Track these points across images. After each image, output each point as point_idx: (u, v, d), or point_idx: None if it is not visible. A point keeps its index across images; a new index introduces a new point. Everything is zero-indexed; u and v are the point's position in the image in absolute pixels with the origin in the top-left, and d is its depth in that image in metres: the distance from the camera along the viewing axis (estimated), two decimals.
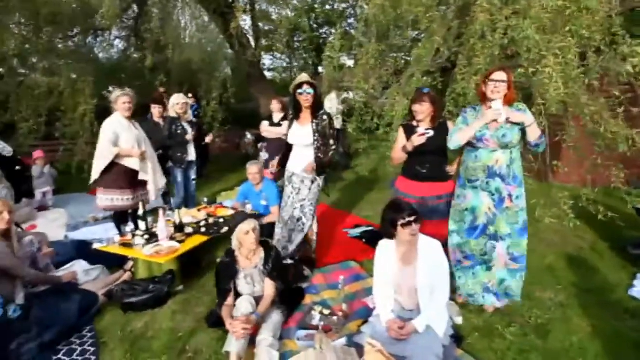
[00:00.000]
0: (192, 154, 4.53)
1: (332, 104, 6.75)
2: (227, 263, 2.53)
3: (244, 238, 2.46)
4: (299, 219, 3.28)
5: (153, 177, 3.68)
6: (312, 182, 3.24)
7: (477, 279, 2.70)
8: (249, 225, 2.46)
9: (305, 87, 3.04)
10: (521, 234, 2.59)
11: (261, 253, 2.56)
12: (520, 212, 2.57)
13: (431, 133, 2.70)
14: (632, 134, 2.89)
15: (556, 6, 2.82)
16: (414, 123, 2.84)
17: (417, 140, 2.66)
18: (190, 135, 4.40)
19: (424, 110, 2.74)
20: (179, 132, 4.38)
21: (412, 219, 2.15)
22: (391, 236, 2.27)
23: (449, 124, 2.86)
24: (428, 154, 2.77)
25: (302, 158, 3.22)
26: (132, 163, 3.51)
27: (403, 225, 2.15)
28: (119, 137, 3.45)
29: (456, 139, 2.54)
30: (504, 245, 2.60)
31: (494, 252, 2.62)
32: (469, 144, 2.56)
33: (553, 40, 2.86)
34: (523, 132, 2.45)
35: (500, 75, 2.40)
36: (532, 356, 2.30)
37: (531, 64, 2.92)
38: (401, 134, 2.87)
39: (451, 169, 2.93)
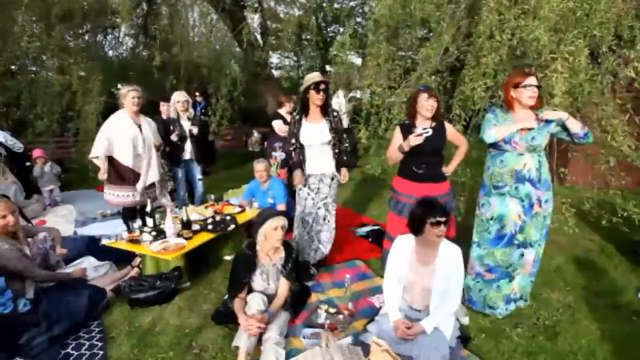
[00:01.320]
0: (188, 153, 4.47)
1: (339, 101, 6.74)
2: (248, 256, 2.53)
3: (272, 233, 2.44)
4: (324, 218, 3.28)
5: (145, 175, 3.68)
6: (332, 179, 3.23)
7: (500, 292, 2.62)
8: (278, 221, 2.44)
9: (322, 85, 3.04)
10: (545, 238, 2.55)
11: (282, 253, 2.56)
12: (547, 216, 2.50)
13: (430, 132, 2.66)
14: (621, 146, 2.84)
15: (566, 7, 2.77)
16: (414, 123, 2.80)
17: (414, 140, 2.62)
18: (175, 136, 4.29)
19: (435, 106, 2.70)
20: (176, 131, 4.35)
21: (442, 219, 2.09)
22: (417, 233, 2.20)
23: (447, 124, 2.84)
24: (425, 155, 2.73)
25: (320, 157, 3.18)
26: (125, 160, 3.54)
27: (432, 225, 2.09)
28: (113, 142, 3.50)
29: (492, 133, 2.42)
30: (533, 252, 2.53)
31: (521, 259, 2.55)
32: (495, 146, 2.49)
33: (563, 41, 2.81)
34: (551, 135, 2.41)
35: (535, 80, 2.36)
36: (539, 358, 2.28)
37: (540, 68, 2.88)
38: (398, 133, 2.84)
39: (447, 169, 2.91)
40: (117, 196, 3.62)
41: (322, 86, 3.03)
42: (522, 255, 2.54)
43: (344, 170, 3.22)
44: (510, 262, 2.56)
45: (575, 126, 2.32)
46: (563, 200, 2.92)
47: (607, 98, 2.97)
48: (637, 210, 2.91)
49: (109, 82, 6.20)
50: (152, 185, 3.78)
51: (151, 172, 3.73)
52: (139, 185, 3.64)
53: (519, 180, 2.43)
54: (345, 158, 3.24)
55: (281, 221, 2.45)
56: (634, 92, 2.88)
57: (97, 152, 3.50)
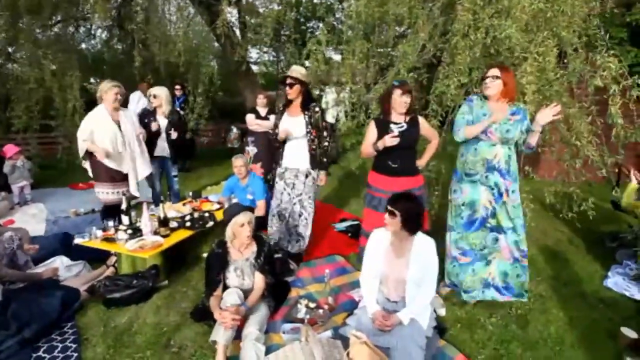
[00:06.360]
0: (161, 149, 4.23)
1: (330, 97, 6.75)
2: (219, 254, 2.51)
3: (239, 230, 2.44)
4: (300, 214, 3.29)
5: (133, 171, 3.60)
6: (306, 176, 3.25)
7: (477, 276, 2.67)
8: (244, 217, 2.44)
9: (287, 80, 3.12)
10: (523, 228, 2.61)
11: (254, 247, 2.55)
12: (516, 206, 2.57)
13: (404, 127, 2.71)
14: (577, 145, 3.00)
15: (537, 8, 2.86)
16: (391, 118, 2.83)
17: (390, 141, 2.64)
18: (154, 124, 4.07)
19: (409, 102, 2.73)
20: (150, 125, 4.13)
21: (388, 207, 2.18)
22: None
23: (420, 118, 2.88)
24: (400, 149, 2.76)
25: (296, 151, 3.22)
26: (107, 160, 3.45)
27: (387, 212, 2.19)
28: (93, 134, 3.40)
29: (463, 133, 2.53)
30: (510, 239, 2.58)
31: (496, 244, 2.61)
32: None
33: (534, 41, 2.90)
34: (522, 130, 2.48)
35: (493, 72, 2.46)
36: (511, 346, 2.37)
37: (513, 66, 2.96)
38: (372, 129, 2.84)
39: (420, 163, 2.96)
40: (109, 194, 3.53)
41: (288, 81, 3.12)
42: (497, 240, 2.61)
43: (322, 174, 3.26)
44: (484, 244, 2.63)
45: (534, 138, 2.47)
46: (524, 195, 3.02)
47: (572, 101, 3.09)
48: (592, 205, 3.05)
49: (82, 76, 5.96)
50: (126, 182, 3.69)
51: (140, 166, 3.67)
52: (132, 181, 3.58)
53: (489, 170, 2.53)
54: (324, 160, 3.25)
55: (247, 217, 2.46)
56: (598, 95, 3.00)
57: (81, 153, 3.43)
